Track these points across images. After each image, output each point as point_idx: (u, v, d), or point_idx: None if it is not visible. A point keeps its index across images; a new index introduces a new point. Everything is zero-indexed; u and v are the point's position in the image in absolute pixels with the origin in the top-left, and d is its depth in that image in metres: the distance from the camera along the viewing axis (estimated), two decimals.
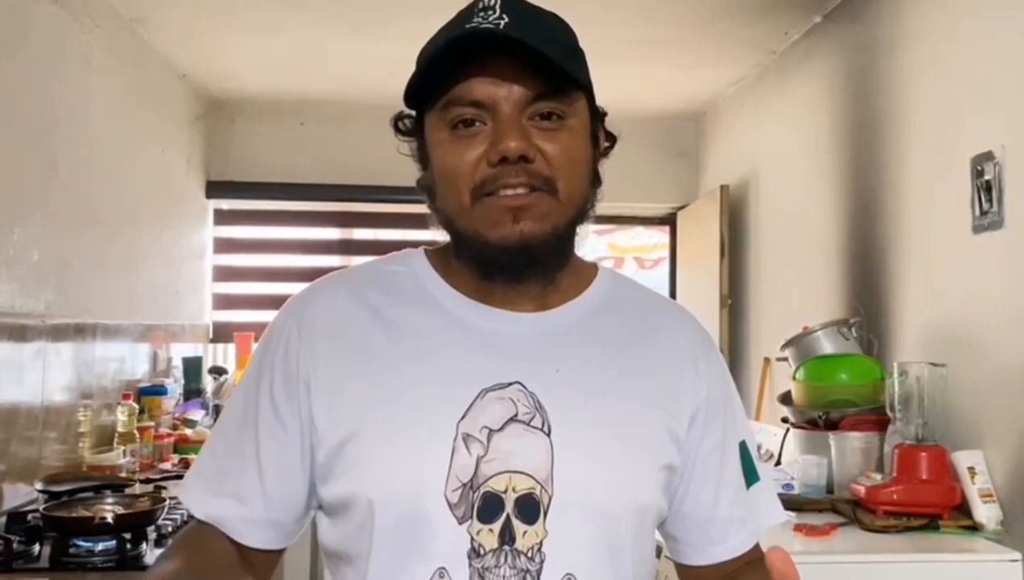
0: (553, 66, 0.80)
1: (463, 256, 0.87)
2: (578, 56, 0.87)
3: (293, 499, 0.87)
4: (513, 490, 0.81)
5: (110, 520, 1.72)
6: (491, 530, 0.80)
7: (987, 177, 1.99)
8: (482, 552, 0.80)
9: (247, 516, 0.87)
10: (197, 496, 0.89)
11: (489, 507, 0.80)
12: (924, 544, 1.83)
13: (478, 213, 0.82)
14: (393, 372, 0.85)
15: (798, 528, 1.91)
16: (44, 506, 1.84)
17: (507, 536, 0.80)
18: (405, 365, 0.85)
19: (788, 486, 2.16)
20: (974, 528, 1.90)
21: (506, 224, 0.81)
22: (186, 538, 0.91)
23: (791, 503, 2.03)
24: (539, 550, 0.80)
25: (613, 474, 0.84)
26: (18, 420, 2.14)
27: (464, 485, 0.80)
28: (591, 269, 0.96)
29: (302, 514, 0.89)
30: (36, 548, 1.73)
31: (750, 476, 0.95)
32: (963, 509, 1.94)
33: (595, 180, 0.89)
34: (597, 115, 0.90)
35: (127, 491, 2.05)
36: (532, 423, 0.83)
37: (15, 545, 1.71)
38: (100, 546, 1.70)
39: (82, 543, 1.70)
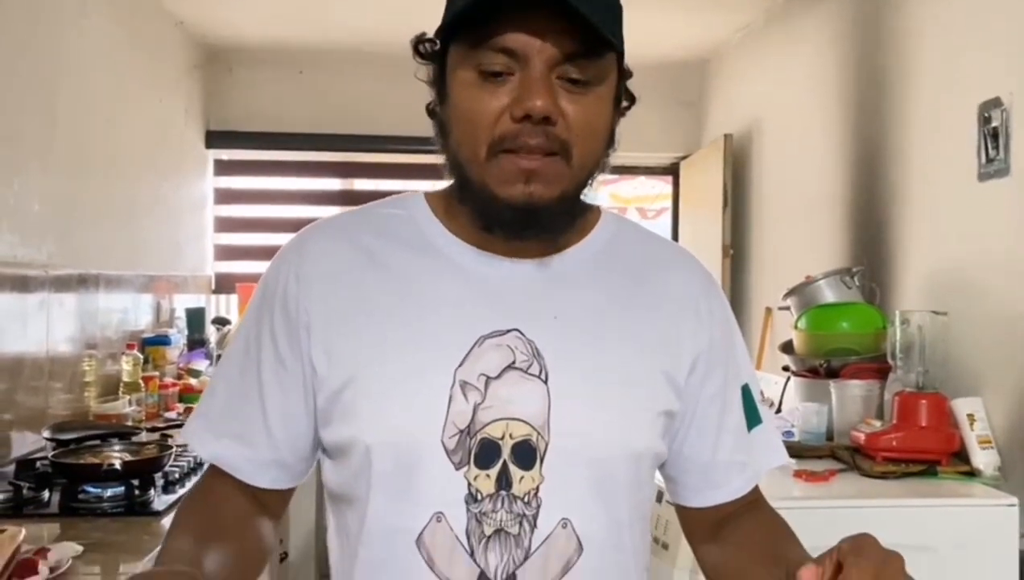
0: (592, 28, 0.77)
1: (466, 202, 0.86)
2: (618, 16, 0.84)
3: (299, 440, 0.88)
4: (510, 436, 0.81)
5: (118, 466, 1.74)
6: (488, 475, 0.81)
7: (994, 124, 1.97)
8: (479, 497, 0.81)
9: (253, 457, 0.88)
10: (202, 437, 0.90)
11: (486, 453, 0.81)
12: (922, 489, 1.86)
13: (491, 168, 0.81)
14: (390, 318, 0.85)
15: (798, 474, 1.93)
16: (52, 453, 1.86)
17: (504, 481, 0.81)
18: (402, 311, 0.85)
19: (788, 433, 2.18)
20: (972, 474, 1.92)
21: (516, 185, 0.80)
22: (198, 492, 0.92)
23: (791, 450, 2.04)
24: (535, 495, 0.81)
25: (609, 421, 0.85)
26: (23, 370, 2.16)
27: (461, 431, 0.81)
28: (594, 213, 0.94)
29: (309, 455, 0.90)
30: (45, 494, 1.75)
31: (752, 418, 0.95)
32: (961, 455, 1.96)
33: (610, 142, 0.88)
34: (623, 76, 0.87)
35: (134, 439, 2.07)
36: (530, 370, 0.83)
37: (25, 491, 1.72)
38: (109, 492, 1.72)
39: (91, 489, 1.72)
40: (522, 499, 0.81)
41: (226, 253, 4.07)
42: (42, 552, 1.32)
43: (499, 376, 0.82)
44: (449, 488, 0.80)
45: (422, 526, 0.81)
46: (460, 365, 0.82)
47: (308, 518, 2.81)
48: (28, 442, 2.14)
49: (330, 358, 0.84)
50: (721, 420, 0.93)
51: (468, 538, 0.80)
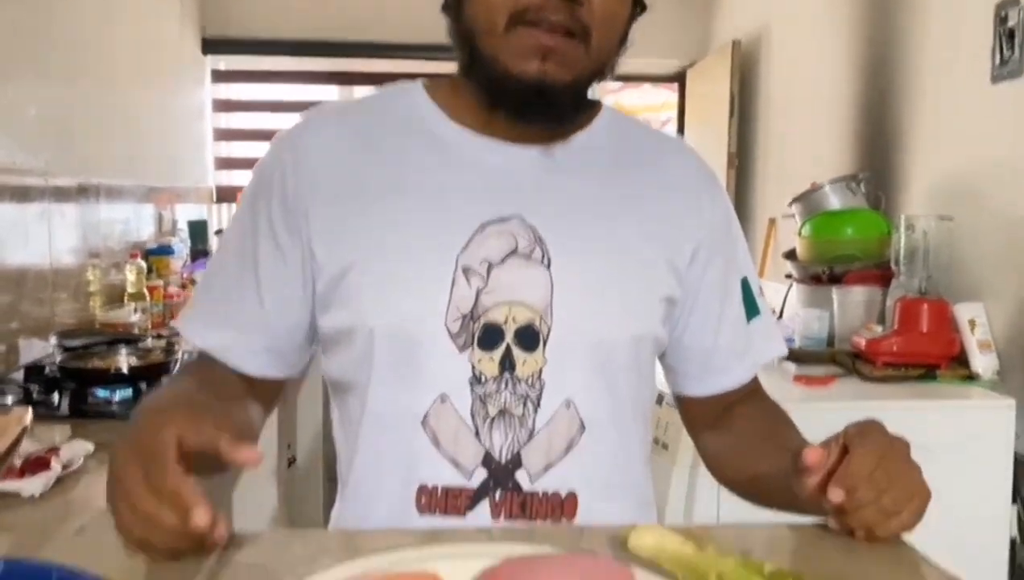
0: None
1: (473, 79, 0.85)
2: None
3: (296, 329, 0.88)
4: (513, 320, 0.82)
5: (125, 370, 1.76)
6: (491, 358, 0.82)
7: (1011, 24, 1.92)
8: (483, 379, 0.82)
9: (248, 345, 0.88)
10: (197, 327, 0.89)
11: (489, 336, 0.82)
12: (921, 392, 1.88)
13: (508, 40, 0.79)
14: (391, 204, 0.84)
15: (798, 378, 1.95)
16: (60, 358, 1.88)
17: (507, 364, 0.82)
18: (403, 197, 0.85)
19: (789, 340, 2.19)
20: (971, 378, 1.94)
21: (531, 61, 0.79)
22: (194, 364, 0.92)
23: (791, 355, 2.07)
24: (539, 377, 0.83)
25: (611, 305, 0.85)
26: (27, 281, 2.16)
27: (464, 316, 0.82)
28: (595, 106, 0.94)
29: (304, 345, 0.91)
30: (55, 398, 1.78)
31: (750, 310, 0.96)
32: (961, 360, 1.97)
33: (624, 40, 0.87)
34: None
35: (140, 345, 2.09)
36: (532, 256, 0.83)
37: (35, 395, 1.75)
38: (118, 395, 1.74)
39: (100, 393, 1.75)
40: (525, 381, 0.82)
41: (226, 164, 4.04)
42: (54, 451, 1.35)
43: (502, 262, 0.83)
44: (453, 370, 0.82)
45: (427, 407, 0.82)
46: (462, 251, 0.82)
47: (315, 423, 2.86)
48: (36, 350, 2.16)
49: (330, 244, 0.84)
50: (721, 309, 0.94)
51: (473, 419, 0.82)
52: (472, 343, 0.82)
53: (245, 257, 0.88)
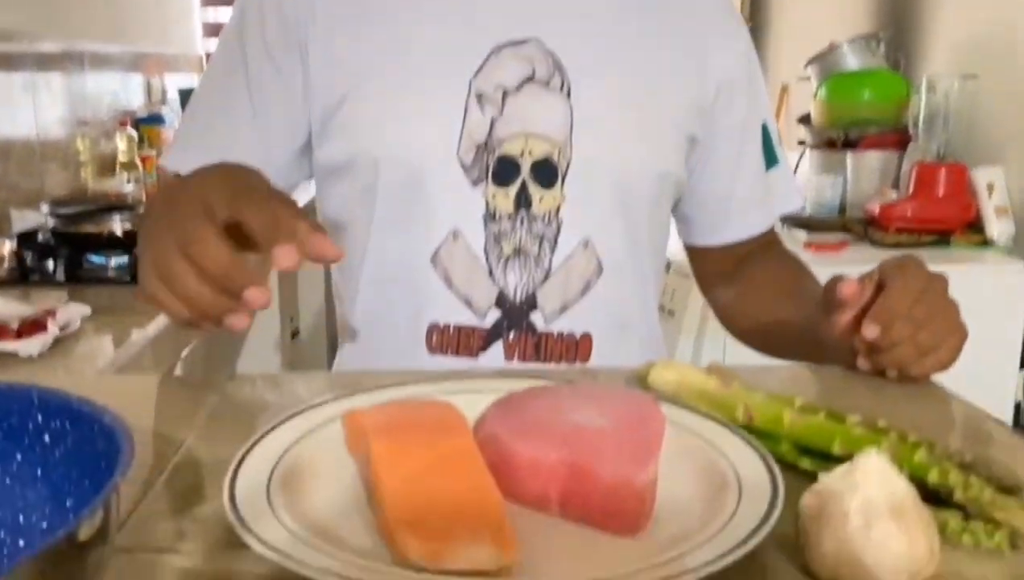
0: None
1: None
2: None
3: (290, 160, 0.82)
4: (529, 153, 0.77)
5: (119, 234, 1.71)
6: (506, 194, 0.77)
7: None
8: (497, 216, 0.77)
9: None
10: (180, 157, 0.82)
11: (504, 170, 0.76)
12: (934, 257, 1.81)
13: None
14: (396, 23, 0.77)
15: (808, 245, 1.90)
16: (53, 225, 1.83)
17: (523, 200, 0.77)
18: (409, 16, 0.78)
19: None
20: (985, 244, 1.89)
21: None
22: None
23: (802, 222, 2.02)
24: (556, 215, 0.78)
25: (634, 139, 0.80)
26: (14, 152, 2.10)
27: (478, 146, 0.76)
28: None
29: (294, 180, 0.85)
30: (50, 264, 1.74)
31: (770, 158, 0.91)
32: (976, 226, 1.92)
33: None
34: None
35: (134, 212, 2.03)
36: (550, 84, 0.77)
37: (28, 262, 1.71)
38: (114, 261, 1.70)
39: (95, 258, 1.71)
40: (542, 219, 0.78)
41: (214, 31, 3.88)
42: (50, 313, 1.32)
43: (517, 89, 0.76)
44: (466, 205, 0.77)
45: (437, 244, 0.78)
46: (475, 75, 0.76)
47: (318, 295, 2.84)
48: (28, 221, 2.10)
49: (329, 66, 0.78)
50: (740, 153, 0.89)
51: (487, 257, 0.77)
52: (486, 177, 0.76)
53: (236, 80, 0.81)
